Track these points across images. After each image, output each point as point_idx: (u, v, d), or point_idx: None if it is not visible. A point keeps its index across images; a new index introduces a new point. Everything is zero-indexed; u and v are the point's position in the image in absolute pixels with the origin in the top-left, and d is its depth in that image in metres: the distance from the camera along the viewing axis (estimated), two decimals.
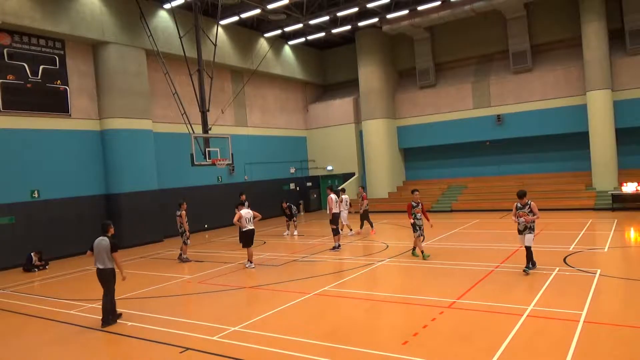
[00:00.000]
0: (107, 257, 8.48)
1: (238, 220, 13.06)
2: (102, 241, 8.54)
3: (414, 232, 12.41)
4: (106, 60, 18.78)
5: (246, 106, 26.31)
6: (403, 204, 26.87)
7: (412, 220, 12.35)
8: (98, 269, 8.58)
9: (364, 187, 20.11)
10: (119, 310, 8.85)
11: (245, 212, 13.16)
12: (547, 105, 23.63)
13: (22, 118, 16.64)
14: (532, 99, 24.08)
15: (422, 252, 12.42)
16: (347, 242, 16.45)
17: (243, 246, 13.47)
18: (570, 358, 5.84)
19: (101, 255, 8.51)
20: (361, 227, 18.51)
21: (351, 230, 18.38)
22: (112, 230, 8.80)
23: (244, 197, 17.23)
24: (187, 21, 20.64)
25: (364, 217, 18.24)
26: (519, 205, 10.29)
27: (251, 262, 13.18)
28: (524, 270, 10.10)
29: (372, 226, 18.36)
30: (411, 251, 13.11)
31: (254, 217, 13.25)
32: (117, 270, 8.63)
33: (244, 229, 13.17)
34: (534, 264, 10.27)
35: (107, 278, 8.55)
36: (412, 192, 12.56)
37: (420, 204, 12.40)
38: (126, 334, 7.95)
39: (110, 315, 8.52)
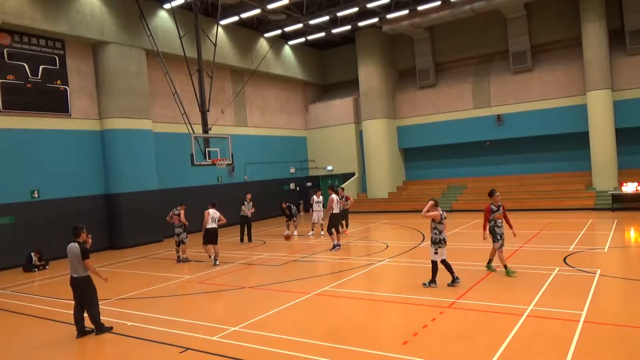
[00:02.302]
0: (79, 264, 7.87)
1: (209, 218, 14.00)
2: (73, 248, 7.90)
3: (493, 241, 10.19)
4: (106, 60, 18.78)
5: (246, 106, 26.31)
6: (403, 204, 27.16)
7: (489, 235, 10.18)
8: (71, 277, 7.99)
9: (343, 188, 20.35)
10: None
11: (213, 211, 13.96)
12: (547, 105, 23.63)
13: (22, 118, 16.64)
14: (532, 99, 24.07)
15: (506, 266, 10.15)
16: (347, 242, 16.45)
17: (203, 243, 14.00)
18: (570, 358, 5.84)
19: (73, 263, 7.91)
20: (346, 226, 18.50)
21: (312, 232, 18.67)
22: (83, 236, 8.09)
23: (249, 195, 18.38)
24: (187, 21, 20.64)
25: (344, 216, 18.13)
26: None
27: (215, 260, 13.84)
28: (424, 284, 9.65)
29: (347, 226, 18.52)
30: (486, 264, 10.76)
31: (219, 220, 14.03)
32: (97, 277, 8.02)
33: (207, 226, 13.84)
34: (433, 281, 9.57)
35: (81, 287, 7.93)
36: (490, 193, 10.25)
37: (501, 207, 10.22)
38: (126, 334, 7.94)
39: (99, 325, 8.05)
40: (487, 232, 10.16)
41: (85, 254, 7.89)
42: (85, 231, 8.19)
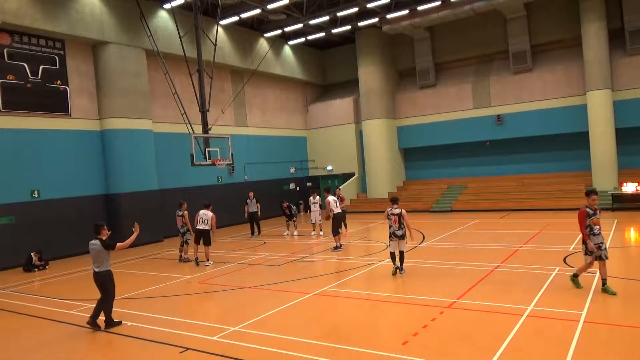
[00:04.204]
0: (100, 259, 8.21)
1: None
2: (94, 245, 8.26)
3: (585, 253, 8.47)
4: (106, 60, 18.78)
5: (246, 106, 26.31)
6: (403, 204, 26.39)
7: (588, 243, 8.36)
8: (94, 272, 8.35)
9: (339, 188, 20.20)
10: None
11: (202, 213, 14.04)
12: (547, 105, 23.63)
13: (22, 118, 16.63)
14: (532, 99, 24.07)
15: (604, 281, 8.40)
16: (347, 242, 16.44)
17: (195, 243, 14.14)
18: (570, 358, 5.84)
19: (95, 258, 8.28)
20: (345, 227, 18.41)
21: (314, 231, 18.69)
22: (104, 233, 8.38)
23: (252, 194, 19.57)
24: (187, 21, 20.63)
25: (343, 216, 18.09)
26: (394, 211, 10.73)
27: (206, 259, 14.01)
28: (396, 272, 10.93)
29: (345, 227, 18.33)
30: (571, 277, 8.95)
31: (208, 222, 14.01)
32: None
33: (196, 227, 14.00)
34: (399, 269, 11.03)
35: (102, 280, 8.29)
36: (588, 194, 8.48)
37: (598, 211, 8.48)
38: (126, 334, 7.95)
39: (110, 320, 8.35)
40: (590, 241, 8.35)
41: (109, 246, 8.24)
42: (105, 228, 8.51)
